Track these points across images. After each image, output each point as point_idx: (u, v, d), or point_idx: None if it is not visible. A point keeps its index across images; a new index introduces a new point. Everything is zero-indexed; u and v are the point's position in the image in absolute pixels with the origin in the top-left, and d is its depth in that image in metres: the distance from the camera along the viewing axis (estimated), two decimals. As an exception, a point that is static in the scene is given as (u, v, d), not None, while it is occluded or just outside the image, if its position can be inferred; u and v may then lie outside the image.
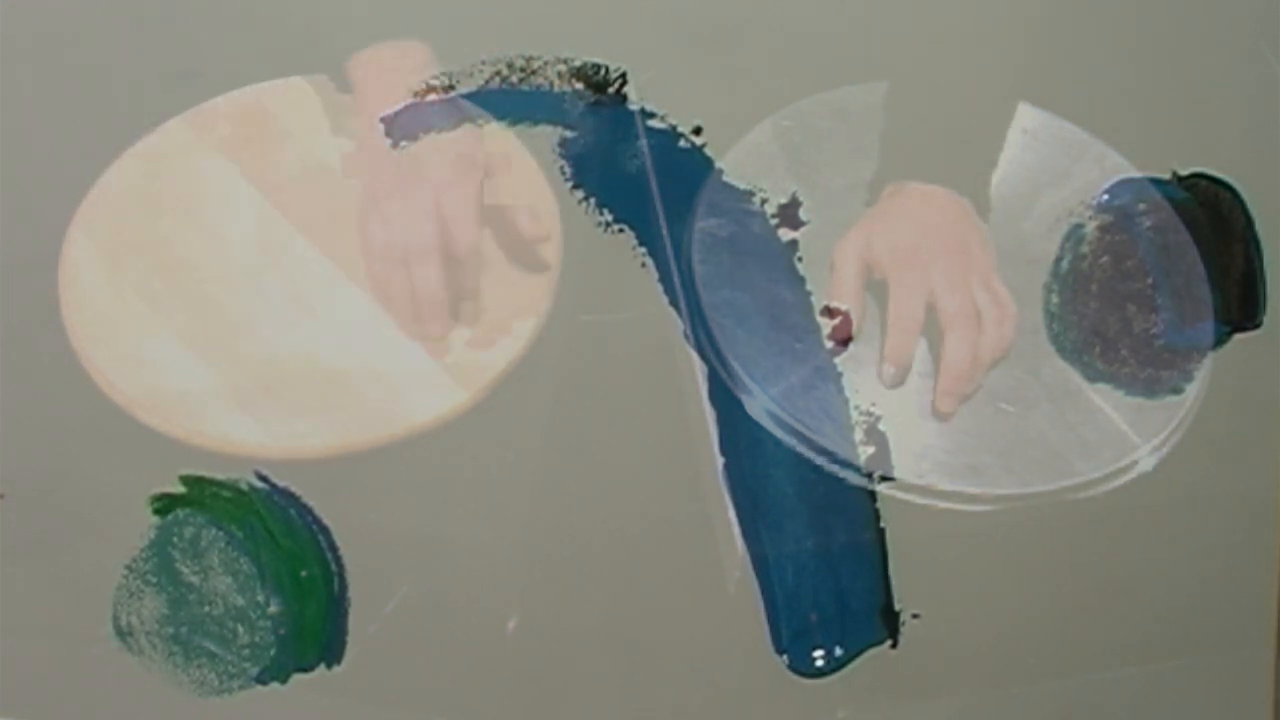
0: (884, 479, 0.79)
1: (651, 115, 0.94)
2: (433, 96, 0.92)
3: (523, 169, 0.92)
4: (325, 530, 0.77)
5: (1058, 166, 0.93)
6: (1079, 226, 0.90)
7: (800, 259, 0.87)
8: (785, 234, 0.89)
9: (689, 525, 0.80)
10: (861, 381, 0.82)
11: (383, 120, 0.91)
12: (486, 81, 0.93)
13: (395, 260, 0.83)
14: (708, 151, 0.92)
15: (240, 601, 0.75)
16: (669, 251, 0.88)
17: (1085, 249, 0.89)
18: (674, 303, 0.86)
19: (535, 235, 0.87)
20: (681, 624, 0.78)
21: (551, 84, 0.95)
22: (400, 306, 0.84)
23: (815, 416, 0.81)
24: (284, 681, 0.74)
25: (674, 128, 0.93)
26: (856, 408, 0.81)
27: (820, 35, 0.98)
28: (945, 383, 0.80)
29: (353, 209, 0.88)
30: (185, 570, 0.76)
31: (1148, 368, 0.83)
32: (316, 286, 0.87)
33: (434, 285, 0.83)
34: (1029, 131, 0.94)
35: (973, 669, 0.77)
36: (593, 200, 0.90)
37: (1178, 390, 0.83)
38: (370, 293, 0.85)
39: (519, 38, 0.96)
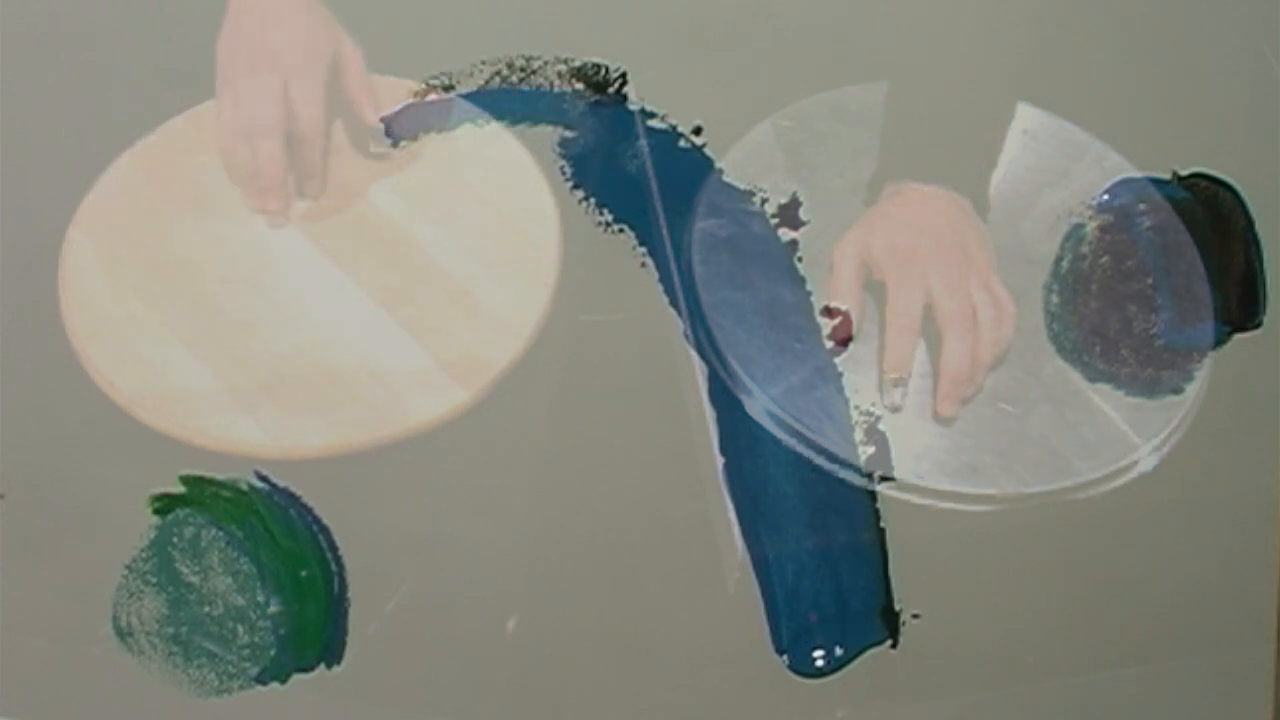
0: (884, 479, 0.79)
1: (651, 115, 0.94)
2: (433, 96, 0.92)
3: (523, 169, 0.92)
4: (325, 530, 0.77)
5: (1058, 166, 0.93)
6: (1079, 226, 0.90)
7: (800, 259, 0.87)
8: (785, 234, 0.89)
9: (689, 525, 0.80)
10: (861, 381, 0.82)
11: (383, 120, 0.91)
12: (486, 81, 0.93)
13: (241, 136, 0.88)
14: (708, 151, 0.92)
15: (240, 601, 0.75)
16: (669, 251, 0.88)
17: (1085, 249, 0.89)
18: (674, 303, 0.86)
19: (374, 123, 0.91)
20: (681, 624, 0.78)
21: (551, 84, 0.95)
22: (245, 180, 0.89)
23: (815, 416, 0.81)
24: (284, 681, 0.74)
25: (674, 128, 0.93)
26: (856, 408, 0.81)
27: (820, 35, 0.98)
28: (945, 386, 0.80)
29: (338, 197, 0.91)
30: (185, 570, 0.76)
31: (1148, 368, 0.83)
32: (316, 286, 0.87)
33: (274, 161, 0.87)
34: (1029, 131, 0.94)
35: (973, 669, 0.77)
36: (593, 200, 0.90)
37: (1178, 390, 0.83)
38: (224, 168, 0.90)
39: (519, 38, 0.96)
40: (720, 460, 0.81)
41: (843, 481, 0.79)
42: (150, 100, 0.95)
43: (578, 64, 0.95)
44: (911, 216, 0.85)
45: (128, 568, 0.76)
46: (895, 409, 0.81)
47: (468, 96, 0.95)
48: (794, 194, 0.90)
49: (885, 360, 0.81)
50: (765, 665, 0.75)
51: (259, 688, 0.73)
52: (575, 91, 0.95)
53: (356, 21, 0.94)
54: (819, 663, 0.75)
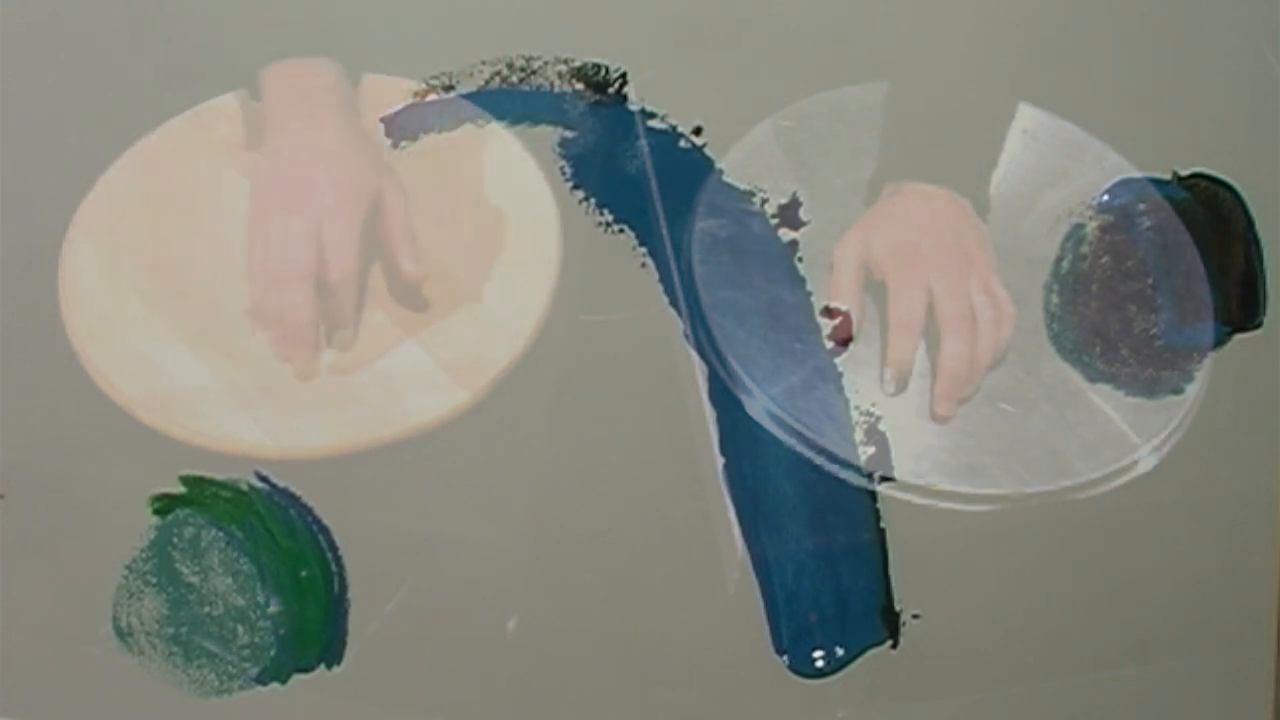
0: (884, 479, 0.79)
1: (651, 115, 0.94)
2: (433, 96, 0.92)
3: (523, 169, 0.92)
4: (325, 530, 0.77)
5: (1058, 166, 0.93)
6: (1079, 226, 0.90)
7: (800, 259, 0.87)
8: (785, 234, 0.89)
9: (689, 525, 0.80)
10: (861, 382, 0.82)
11: (382, 120, 0.91)
12: (486, 81, 0.93)
13: (269, 282, 0.82)
14: (708, 151, 0.92)
15: (240, 601, 0.75)
16: (669, 251, 0.88)
17: (1085, 249, 0.89)
18: (674, 303, 0.86)
19: (413, 276, 0.84)
20: (681, 624, 0.78)
21: (551, 84, 0.95)
22: (270, 328, 0.83)
23: (815, 417, 0.81)
24: (284, 681, 0.73)
25: (674, 128, 0.93)
26: (856, 408, 0.81)
27: (820, 35, 0.98)
28: (942, 387, 0.80)
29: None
30: (185, 570, 0.76)
31: (1148, 368, 0.83)
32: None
33: (301, 311, 0.81)
34: (1029, 131, 0.94)
35: (973, 669, 0.77)
36: (593, 200, 0.90)
37: (1178, 390, 0.83)
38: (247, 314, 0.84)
39: (519, 38, 0.96)
40: (720, 460, 0.81)
41: (843, 481, 0.79)
42: (150, 100, 0.95)
43: (578, 64, 0.95)
44: (912, 216, 0.85)
45: (128, 568, 0.76)
46: (895, 393, 0.81)
47: (468, 96, 0.95)
48: (794, 194, 0.90)
49: (887, 357, 0.81)
50: (765, 665, 0.75)
51: (259, 688, 0.73)
52: (575, 91, 0.95)
53: (357, 21, 0.94)
54: (819, 663, 0.75)
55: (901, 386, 0.81)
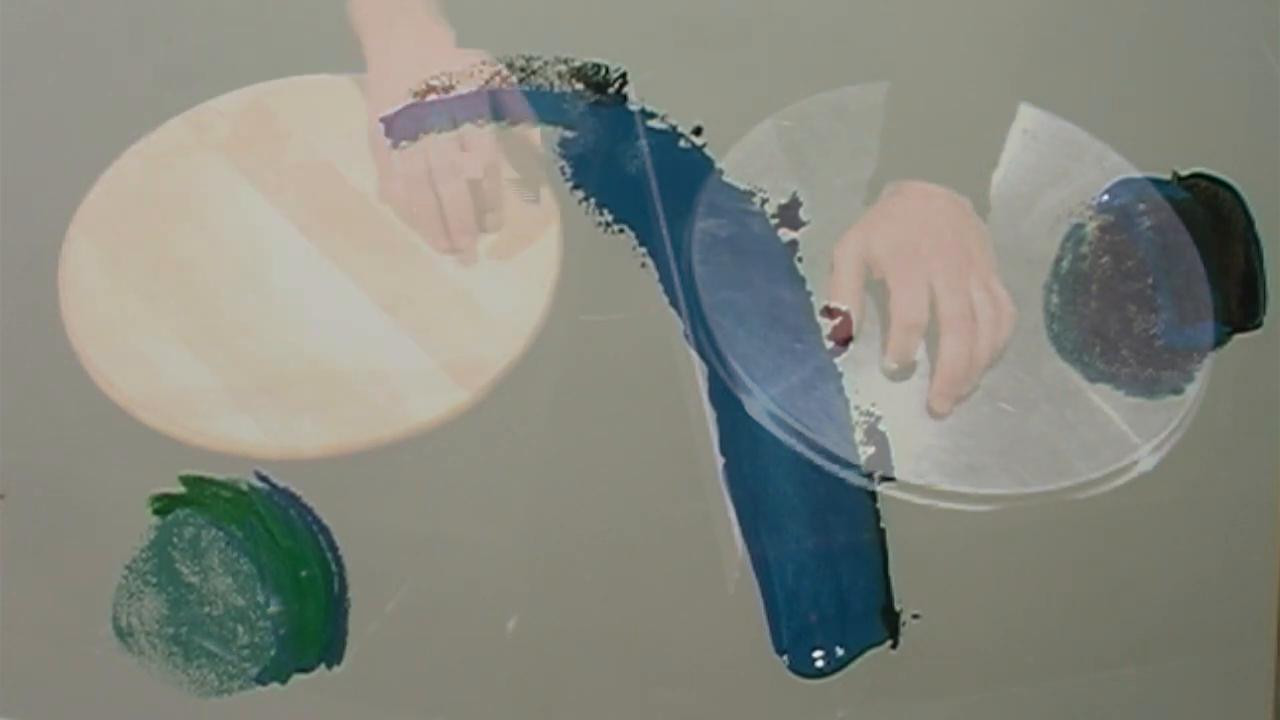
0: (884, 479, 0.79)
1: (651, 115, 0.94)
2: (433, 96, 0.92)
3: (523, 169, 0.92)
4: (325, 530, 0.77)
5: (1058, 166, 0.93)
6: (1079, 226, 0.90)
7: (800, 259, 0.87)
8: (785, 234, 0.89)
9: (689, 525, 0.80)
10: (861, 381, 0.82)
11: (382, 120, 0.91)
12: (486, 82, 0.93)
13: (421, 182, 0.88)
14: (708, 151, 0.92)
15: (240, 601, 0.75)
16: (669, 251, 0.88)
17: (1085, 249, 0.89)
18: (674, 303, 0.86)
19: (538, 141, 0.91)
20: (681, 624, 0.78)
21: (551, 84, 0.95)
22: (430, 225, 0.88)
23: (815, 417, 0.81)
24: (284, 681, 0.73)
25: (674, 128, 0.93)
26: (856, 408, 0.81)
27: (820, 35, 0.98)
28: (940, 384, 0.80)
29: (351, 208, 0.89)
30: (185, 570, 0.76)
31: (1148, 368, 0.83)
32: (316, 286, 0.87)
33: (461, 201, 0.87)
34: (1029, 131, 0.94)
35: (973, 669, 0.77)
36: (593, 200, 0.90)
37: (1178, 390, 0.83)
38: (400, 215, 0.90)
39: (519, 38, 0.96)
40: (720, 460, 0.81)
41: (843, 481, 0.79)
42: (150, 100, 0.95)
43: (578, 64, 0.95)
44: (912, 216, 0.85)
45: (128, 568, 0.76)
46: (899, 379, 0.81)
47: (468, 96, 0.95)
48: (794, 194, 0.90)
49: (889, 350, 0.81)
50: (765, 665, 0.75)
51: (259, 688, 0.73)
52: (575, 91, 0.95)
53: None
54: (819, 663, 0.75)
55: (903, 376, 0.81)
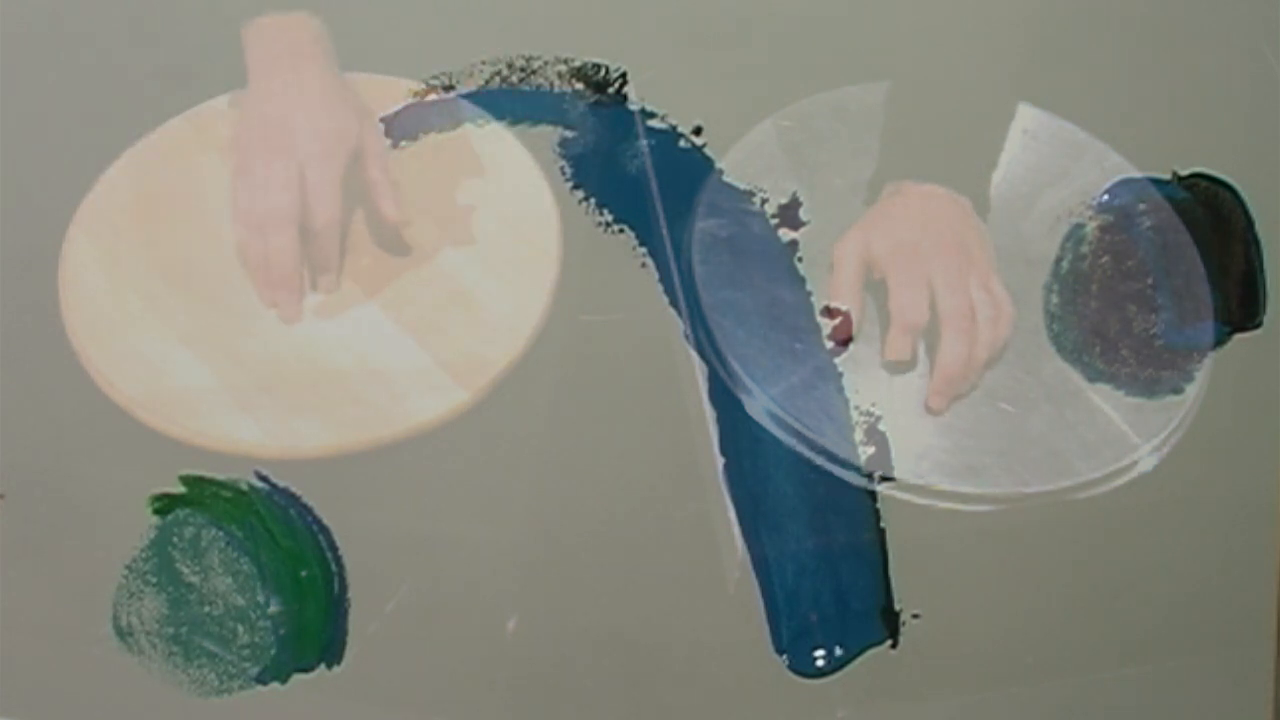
0: (884, 479, 0.79)
1: (651, 115, 0.94)
2: (433, 96, 0.92)
3: (523, 169, 0.92)
4: (325, 530, 0.77)
5: (1058, 166, 0.93)
6: (1079, 226, 0.90)
7: (800, 259, 0.87)
8: (785, 234, 0.89)
9: (689, 525, 0.80)
10: (861, 381, 0.82)
11: (383, 120, 0.91)
12: (486, 81, 0.93)
13: (254, 226, 0.84)
14: (708, 151, 0.92)
15: (240, 601, 0.75)
16: (669, 251, 0.88)
17: (1085, 249, 0.89)
18: (674, 303, 0.86)
19: (395, 219, 0.86)
20: (681, 624, 0.78)
21: (551, 84, 0.95)
22: (255, 272, 0.85)
23: (815, 416, 0.81)
24: (284, 681, 0.73)
25: (674, 128, 0.93)
26: (856, 408, 0.81)
27: (820, 35, 0.98)
28: (938, 382, 0.80)
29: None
30: (185, 570, 0.76)
31: (1148, 368, 0.83)
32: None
33: (286, 254, 0.83)
34: (1029, 131, 0.94)
35: (973, 669, 0.77)
36: (593, 200, 0.90)
37: (1178, 390, 0.83)
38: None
39: (519, 38, 0.96)
40: (720, 460, 0.81)
41: (843, 481, 0.79)
42: (150, 100, 0.95)
43: (578, 64, 0.95)
44: (912, 216, 0.85)
45: (128, 568, 0.76)
46: (900, 371, 0.81)
47: (468, 96, 0.95)
48: (794, 194, 0.90)
49: (886, 350, 0.81)
50: (765, 665, 0.75)
51: (259, 688, 0.73)
52: (575, 91, 0.95)
53: (358, 21, 0.94)
54: (819, 663, 0.75)
55: (902, 366, 0.81)
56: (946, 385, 0.80)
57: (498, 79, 0.94)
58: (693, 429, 0.82)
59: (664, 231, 0.89)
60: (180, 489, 0.78)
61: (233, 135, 0.87)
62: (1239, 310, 0.86)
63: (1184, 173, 0.92)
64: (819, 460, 0.80)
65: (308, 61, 0.88)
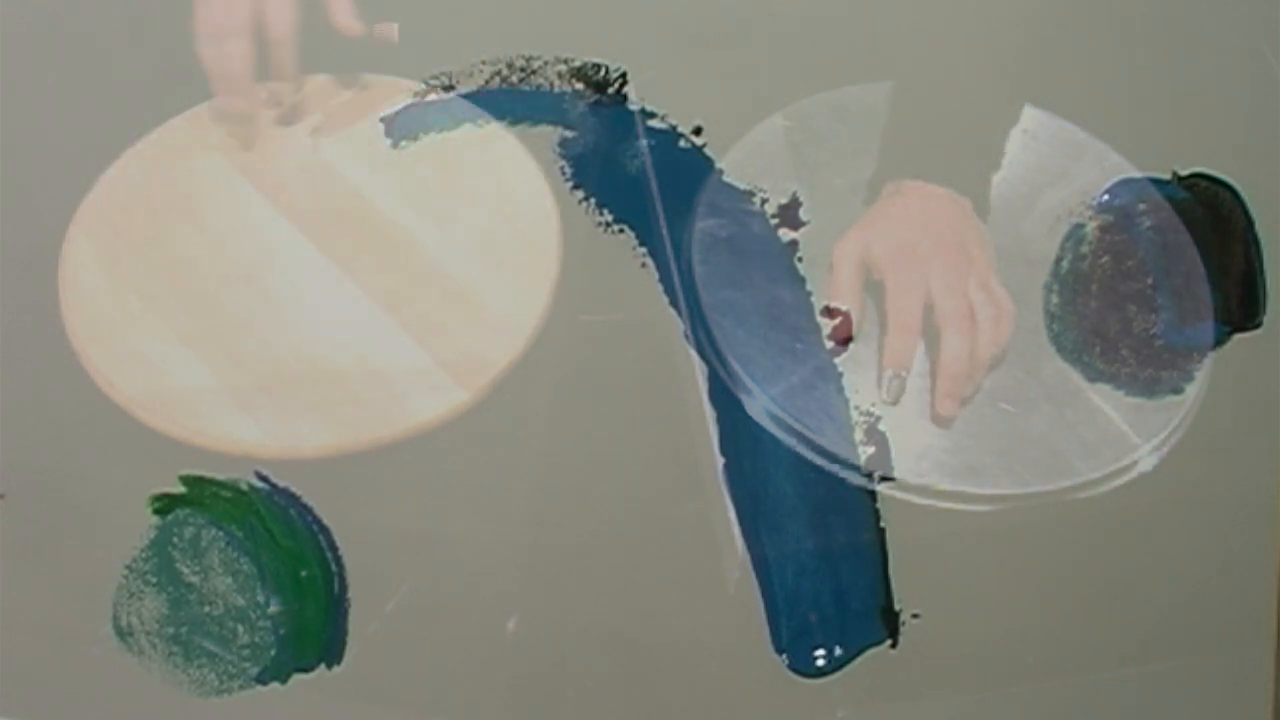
0: (884, 479, 0.79)
1: (651, 115, 0.94)
2: (433, 96, 0.92)
3: (523, 169, 0.92)
4: (325, 530, 0.77)
5: (1058, 166, 0.93)
6: (1079, 226, 0.90)
7: (800, 259, 0.87)
8: (785, 234, 0.89)
9: (689, 525, 0.80)
10: (861, 381, 0.82)
11: (382, 120, 0.91)
12: (486, 81, 0.93)
13: (211, 36, 0.88)
14: (708, 151, 0.92)
15: (240, 601, 0.75)
16: (669, 251, 0.88)
17: (1085, 249, 0.89)
18: (674, 303, 0.86)
19: (350, 30, 0.90)
20: (681, 624, 0.78)
21: (551, 84, 0.95)
22: (216, 82, 0.90)
23: (815, 417, 0.81)
24: (284, 681, 0.73)
25: (674, 128, 0.93)
26: (856, 408, 0.81)
27: (821, 35, 0.98)
28: (944, 385, 0.80)
29: (351, 208, 0.89)
30: (185, 570, 0.76)
31: (1148, 368, 0.83)
32: (316, 286, 0.87)
33: (242, 60, 0.88)
34: (1029, 131, 0.94)
35: (973, 669, 0.77)
36: (593, 200, 0.90)
37: (1178, 390, 0.83)
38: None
39: (519, 38, 0.96)
40: (720, 460, 0.81)
41: (843, 481, 0.79)
42: (150, 100, 0.95)
43: (578, 64, 0.95)
44: (911, 216, 0.85)
45: (128, 568, 0.76)
46: (893, 402, 0.81)
47: (468, 96, 0.95)
48: (794, 194, 0.90)
49: (885, 356, 0.81)
50: (765, 665, 0.75)
51: (259, 688, 0.73)
52: (575, 91, 0.95)
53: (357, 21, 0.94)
54: (819, 662, 0.75)
55: (898, 396, 0.81)
56: (952, 385, 0.80)
57: (498, 79, 0.94)
58: (693, 429, 0.82)
59: (664, 231, 0.89)
60: (180, 489, 0.78)
61: None
62: (1239, 310, 0.86)
63: (1184, 173, 0.92)
64: (819, 460, 0.80)
65: None
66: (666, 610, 0.78)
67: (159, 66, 0.98)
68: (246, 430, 0.80)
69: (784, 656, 0.75)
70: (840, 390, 0.82)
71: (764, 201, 0.90)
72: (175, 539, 0.77)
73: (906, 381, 0.81)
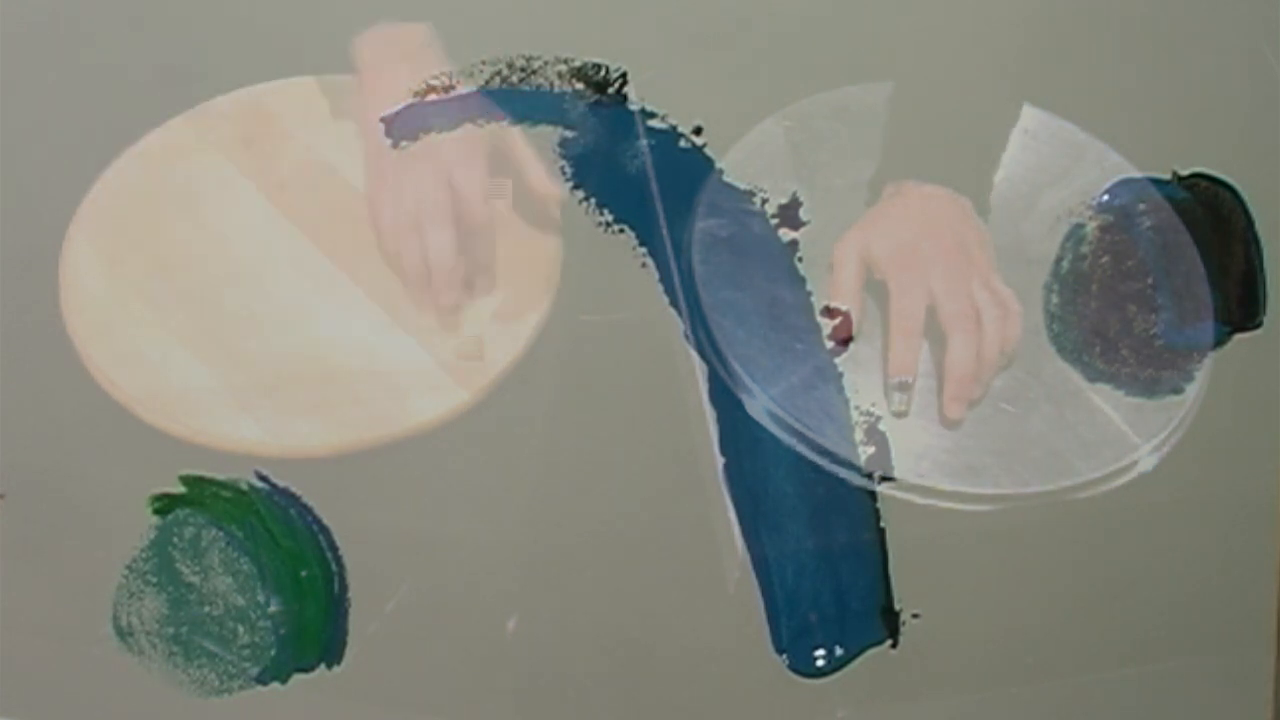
0: (884, 479, 0.79)
1: (651, 115, 0.94)
2: (433, 96, 0.92)
3: (523, 169, 0.92)
4: (325, 530, 0.77)
5: (1058, 166, 0.93)
6: (1079, 226, 0.90)
7: (800, 259, 0.87)
8: (785, 234, 0.89)
9: (689, 525, 0.80)
10: (861, 381, 0.82)
11: (383, 120, 0.91)
12: (486, 81, 0.93)
13: (408, 229, 0.84)
14: (708, 151, 0.92)
15: (240, 601, 0.75)
16: (669, 251, 0.88)
17: (1085, 249, 0.89)
18: (674, 303, 0.86)
19: (551, 192, 0.88)
20: (681, 624, 0.78)
21: (551, 84, 0.95)
22: (414, 276, 0.84)
23: (815, 416, 0.81)
24: (284, 681, 0.74)
25: (674, 128, 0.93)
26: (856, 408, 0.81)
27: (820, 35, 0.98)
28: (951, 387, 0.80)
29: (351, 208, 0.88)
30: (185, 570, 0.76)
31: (1148, 368, 0.83)
32: (316, 286, 0.87)
33: (447, 251, 0.83)
34: (1029, 131, 0.94)
35: (973, 669, 0.77)
36: (593, 200, 0.90)
37: (1178, 390, 0.83)
38: (387, 267, 0.86)
39: (519, 38, 0.96)
40: (720, 460, 0.81)
41: (843, 481, 0.79)
42: (150, 100, 0.95)
43: (578, 64, 0.95)
44: (912, 216, 0.85)
45: (128, 568, 0.76)
46: (901, 414, 0.80)
47: (468, 96, 0.95)
48: (794, 194, 0.90)
49: (890, 364, 0.81)
50: (765, 665, 0.75)
51: (259, 688, 0.73)
52: (575, 91, 0.95)
53: (358, 21, 0.94)
54: (819, 662, 0.75)
55: (907, 407, 0.81)
56: (959, 388, 0.80)
57: (498, 79, 0.94)
58: (693, 429, 0.82)
59: (664, 231, 0.89)
60: (180, 489, 0.78)
61: (366, 150, 0.88)
62: (1239, 310, 0.86)
63: (1184, 173, 0.92)
64: (819, 460, 0.80)
65: (425, 66, 0.90)
66: (666, 610, 0.78)
67: (159, 66, 0.98)
68: (247, 430, 0.80)
69: (784, 656, 0.75)
70: (840, 390, 0.82)
71: (764, 201, 0.90)
72: (175, 539, 0.77)
73: (913, 391, 0.81)
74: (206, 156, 0.92)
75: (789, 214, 0.90)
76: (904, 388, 0.80)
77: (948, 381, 0.80)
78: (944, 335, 0.81)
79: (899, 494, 0.79)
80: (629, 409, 0.84)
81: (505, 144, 0.88)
